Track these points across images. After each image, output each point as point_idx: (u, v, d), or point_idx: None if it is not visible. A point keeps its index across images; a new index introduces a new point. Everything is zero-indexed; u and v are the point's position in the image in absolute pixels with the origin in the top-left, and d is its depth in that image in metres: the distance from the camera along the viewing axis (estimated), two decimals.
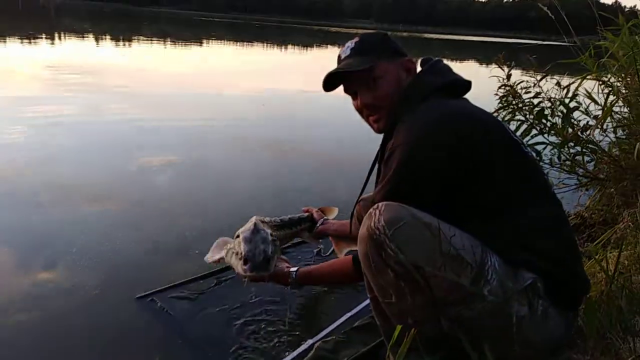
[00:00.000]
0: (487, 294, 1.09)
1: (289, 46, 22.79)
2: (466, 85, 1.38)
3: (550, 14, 2.58)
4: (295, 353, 1.61)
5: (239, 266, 1.54)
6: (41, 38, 15.06)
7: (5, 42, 12.92)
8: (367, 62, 1.38)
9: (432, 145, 1.18)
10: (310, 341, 1.67)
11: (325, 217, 2.12)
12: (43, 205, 2.82)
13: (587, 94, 2.45)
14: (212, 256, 1.81)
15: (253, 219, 1.69)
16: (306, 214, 2.13)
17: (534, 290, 1.13)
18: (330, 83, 1.46)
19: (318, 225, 2.08)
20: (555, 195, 1.30)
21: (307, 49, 22.25)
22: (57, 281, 2.03)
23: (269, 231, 1.64)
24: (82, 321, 1.79)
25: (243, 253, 1.52)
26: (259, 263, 1.51)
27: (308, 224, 2.10)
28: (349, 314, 1.80)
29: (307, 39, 30.27)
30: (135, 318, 1.83)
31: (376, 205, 1.14)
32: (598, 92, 2.46)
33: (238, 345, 1.69)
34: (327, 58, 17.02)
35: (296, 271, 1.59)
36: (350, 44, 1.45)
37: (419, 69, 1.43)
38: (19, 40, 13.49)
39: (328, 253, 2.28)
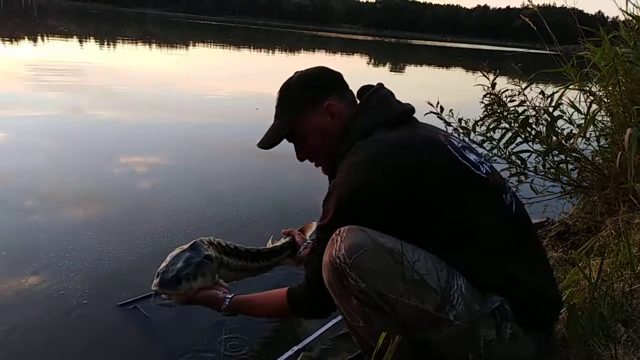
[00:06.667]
0: (453, 318, 1.07)
1: (278, 50, 22.81)
2: (408, 111, 1.33)
3: (532, 25, 2.61)
4: None
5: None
6: (23, 39, 14.86)
7: None
8: (286, 125, 1.40)
9: (369, 186, 1.15)
10: (295, 348, 1.66)
11: (307, 241, 2.02)
12: (25, 210, 2.77)
13: (571, 103, 2.49)
14: None
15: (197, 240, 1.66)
16: (287, 239, 2.02)
17: (502, 313, 1.11)
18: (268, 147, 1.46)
19: (301, 250, 1.97)
20: (518, 212, 1.25)
21: (296, 53, 22.28)
22: (39, 288, 1.99)
23: (205, 253, 1.59)
24: (64, 329, 1.76)
25: (159, 268, 1.53)
26: (166, 281, 1.48)
27: (289, 251, 2.00)
28: (334, 321, 1.79)
29: (297, 43, 30.34)
30: (117, 326, 1.81)
31: (338, 230, 1.11)
32: (581, 102, 2.50)
33: (221, 352, 1.68)
34: (317, 62, 17.04)
35: (230, 298, 1.52)
36: (276, 100, 1.45)
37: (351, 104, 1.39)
38: (0, 41, 13.29)
39: None
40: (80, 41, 17.12)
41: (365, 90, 1.39)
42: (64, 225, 2.61)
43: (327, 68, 1.45)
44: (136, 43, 18.38)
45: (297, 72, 1.45)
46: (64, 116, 5.31)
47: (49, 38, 16.42)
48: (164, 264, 1.55)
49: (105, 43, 17.38)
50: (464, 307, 1.08)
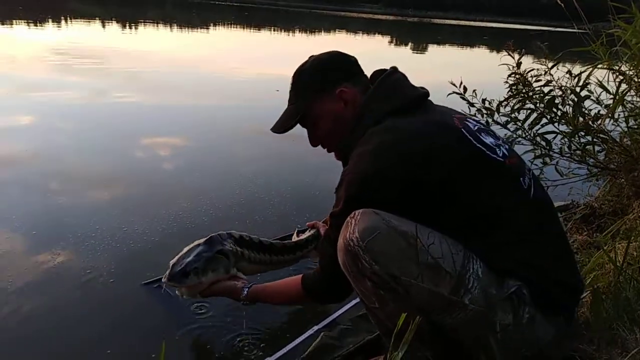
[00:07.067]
0: (468, 302, 1.07)
1: (298, 31, 22.64)
2: (422, 95, 1.31)
3: (559, 2, 2.52)
4: (300, 339, 1.63)
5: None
6: (47, 22, 15.04)
7: (11, 25, 12.92)
8: (299, 110, 1.39)
9: (384, 172, 1.15)
10: (315, 327, 1.68)
11: None
12: (52, 191, 2.84)
13: (599, 83, 2.42)
14: None
15: (214, 234, 1.68)
16: (312, 231, 2.02)
17: (520, 297, 1.10)
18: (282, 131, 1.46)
19: None
20: (537, 196, 1.23)
21: (316, 34, 22.09)
22: (66, 267, 2.05)
23: (219, 248, 1.62)
24: (90, 307, 1.82)
25: (171, 261, 1.58)
26: (174, 274, 1.53)
27: (314, 244, 1.99)
28: (354, 301, 1.80)
29: (318, 23, 30.05)
30: (142, 304, 1.86)
31: (353, 213, 1.12)
32: (609, 81, 2.42)
33: (243, 330, 1.71)
34: (338, 43, 16.91)
35: (249, 287, 1.57)
36: (290, 85, 1.44)
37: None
38: (25, 24, 13.49)
39: None
40: (103, 24, 17.25)
41: (378, 74, 1.37)
42: (89, 206, 2.68)
43: (341, 53, 1.44)
44: (157, 25, 18.45)
45: (312, 56, 1.44)
46: (87, 98, 5.39)
47: (72, 21, 16.59)
48: (176, 257, 1.59)
49: (127, 26, 17.47)
50: (479, 291, 1.08)
